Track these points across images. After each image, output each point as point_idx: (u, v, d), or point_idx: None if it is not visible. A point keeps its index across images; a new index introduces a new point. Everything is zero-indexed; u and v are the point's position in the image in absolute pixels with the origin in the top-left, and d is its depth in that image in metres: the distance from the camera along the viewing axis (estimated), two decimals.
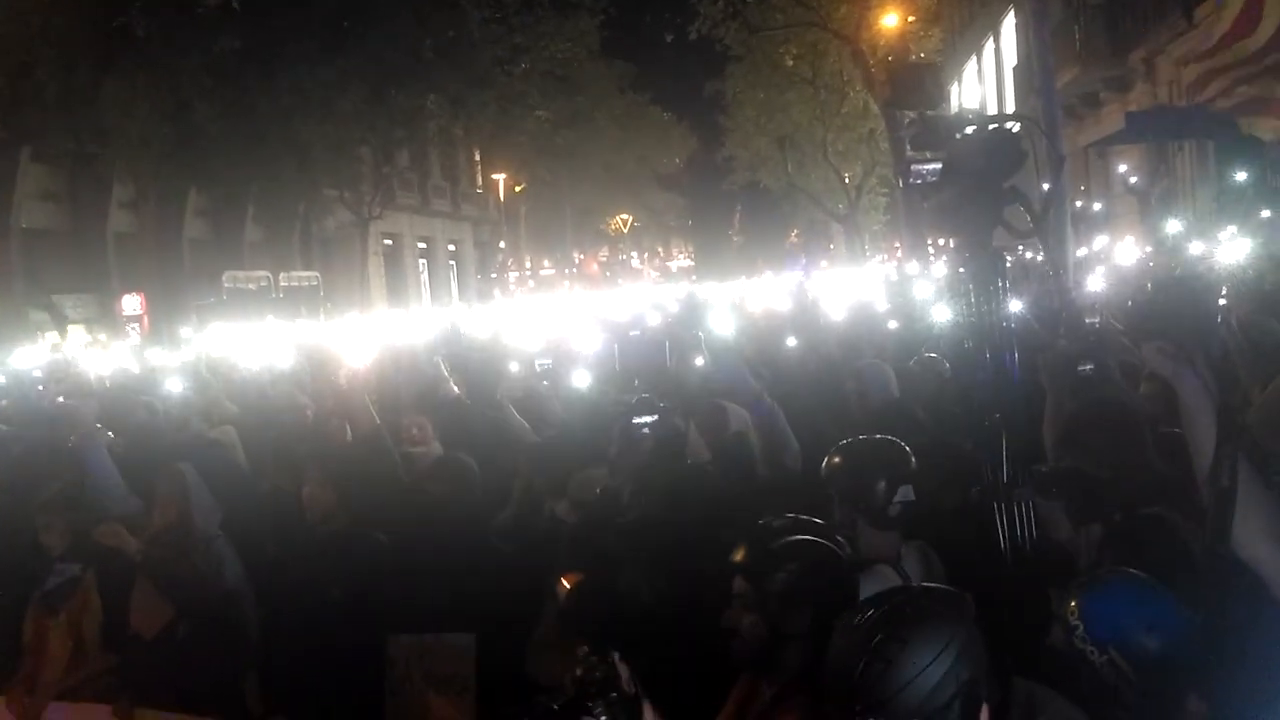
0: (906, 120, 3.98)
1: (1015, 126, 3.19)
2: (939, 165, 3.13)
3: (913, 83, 3.23)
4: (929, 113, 3.22)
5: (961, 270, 3.15)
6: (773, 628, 2.84)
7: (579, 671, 2.56)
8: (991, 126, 3.17)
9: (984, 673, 2.29)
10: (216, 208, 32.32)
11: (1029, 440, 3.26)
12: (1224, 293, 5.53)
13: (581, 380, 6.31)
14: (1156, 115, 21.39)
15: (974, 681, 2.26)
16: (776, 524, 2.98)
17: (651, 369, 4.99)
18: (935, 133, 3.17)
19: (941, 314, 8.03)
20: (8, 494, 5.36)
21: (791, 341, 7.94)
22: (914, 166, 3.17)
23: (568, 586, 3.71)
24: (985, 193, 3.09)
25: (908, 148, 3.43)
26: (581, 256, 71.55)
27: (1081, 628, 2.57)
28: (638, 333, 9.06)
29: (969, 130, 3.14)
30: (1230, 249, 8.17)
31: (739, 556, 2.93)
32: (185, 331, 15.89)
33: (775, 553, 2.88)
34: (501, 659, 4.25)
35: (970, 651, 2.27)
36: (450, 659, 4.42)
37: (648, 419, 4.49)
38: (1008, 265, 3.20)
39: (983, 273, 3.10)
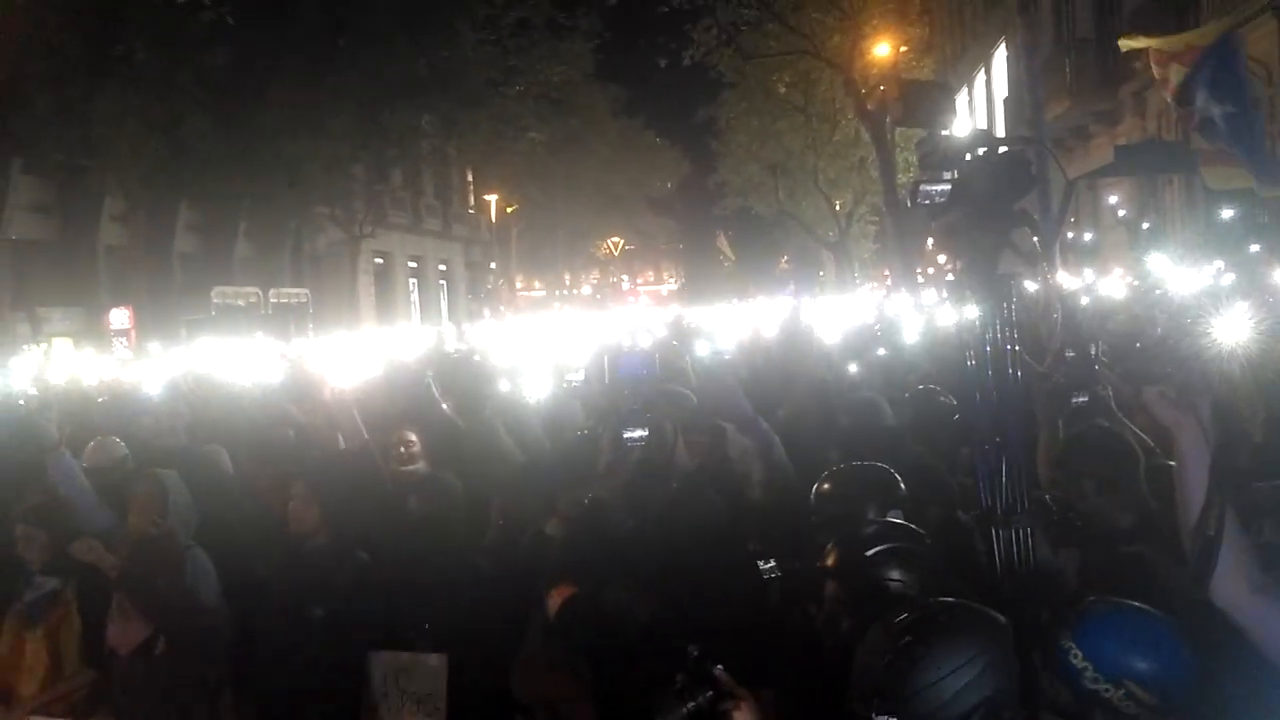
0: (915, 140, 3.98)
1: (1024, 149, 3.18)
2: (947, 186, 3.11)
3: (923, 101, 3.21)
4: (940, 132, 3.20)
5: (967, 293, 3.12)
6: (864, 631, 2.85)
7: (681, 678, 2.51)
8: (1002, 149, 3.15)
9: (1011, 698, 2.32)
10: (208, 223, 32.27)
11: (1029, 465, 3.23)
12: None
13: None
14: (1146, 149, 21.57)
15: (997, 701, 2.28)
16: (869, 529, 2.99)
17: (642, 383, 4.98)
18: (945, 153, 3.16)
19: (933, 342, 8.03)
20: None
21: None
22: (922, 187, 3.12)
23: (557, 601, 3.69)
24: (994, 215, 3.07)
25: (913, 166, 3.43)
26: (570, 278, 71.68)
27: (1090, 668, 2.49)
28: (629, 347, 9.06)
29: (980, 151, 3.12)
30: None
31: (832, 561, 2.95)
32: (154, 346, 15.79)
33: (871, 558, 2.90)
34: (479, 678, 4.23)
35: (998, 671, 2.31)
36: (424, 678, 4.40)
37: (637, 432, 4.48)
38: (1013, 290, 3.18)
39: (989, 295, 3.08)
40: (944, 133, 3.18)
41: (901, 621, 2.40)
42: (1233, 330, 2.78)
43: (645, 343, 10.80)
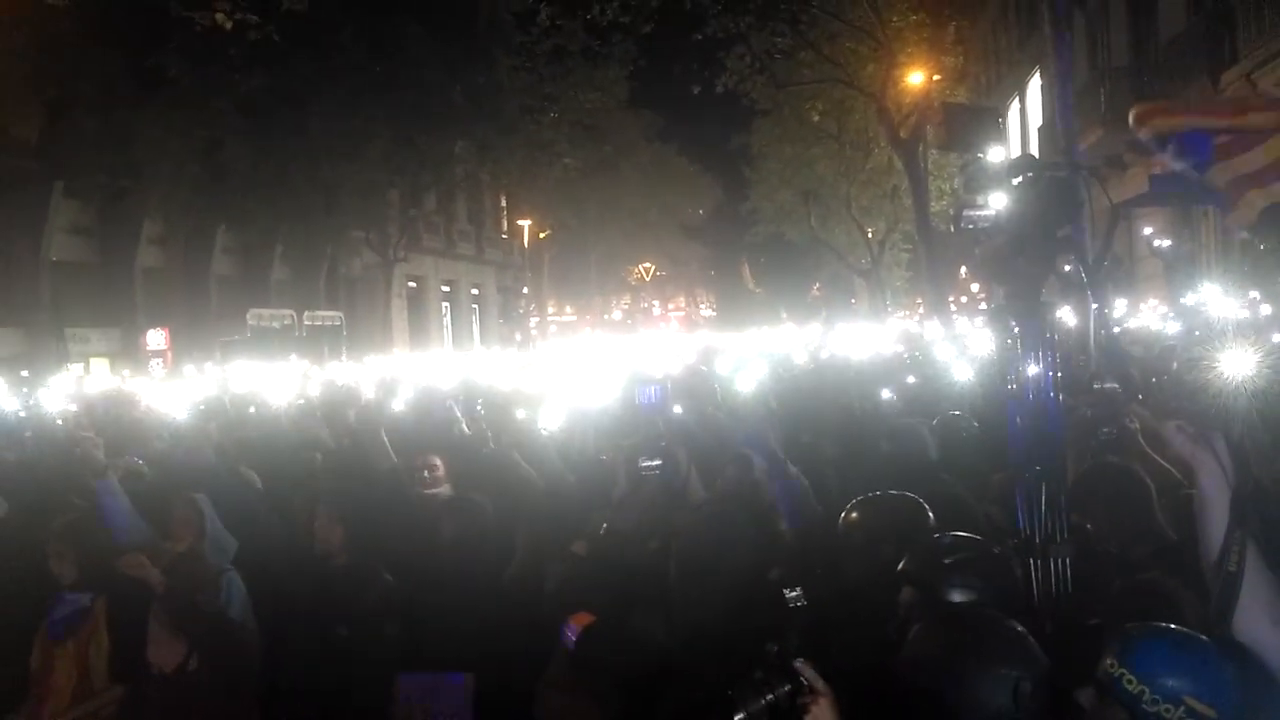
0: (961, 164, 3.97)
1: (1068, 173, 3.14)
2: (992, 212, 3.10)
3: (967, 125, 3.20)
4: (983, 156, 3.19)
5: (1011, 321, 3.10)
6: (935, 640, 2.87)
7: (760, 671, 2.54)
8: (1048, 174, 3.11)
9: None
10: (244, 246, 32.66)
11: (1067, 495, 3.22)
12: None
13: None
14: (1181, 178, 21.33)
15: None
16: (947, 540, 3.02)
17: (658, 412, 4.99)
18: (990, 177, 3.14)
19: (963, 371, 7.99)
20: (20, 522, 5.37)
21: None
22: (965, 212, 3.12)
23: (578, 628, 3.68)
24: (1038, 241, 3.04)
25: (953, 190, 3.42)
26: (601, 303, 71.84)
27: (1147, 691, 2.49)
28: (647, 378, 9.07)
29: (1025, 176, 3.09)
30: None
31: (910, 567, 2.97)
32: (189, 369, 15.98)
33: (949, 566, 2.93)
34: (504, 701, 4.23)
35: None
36: (451, 698, 4.40)
37: (652, 461, 4.49)
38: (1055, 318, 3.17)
39: (1032, 322, 3.06)
40: (983, 157, 3.17)
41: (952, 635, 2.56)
42: (1239, 364, 2.75)
43: (670, 370, 10.80)
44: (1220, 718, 2.48)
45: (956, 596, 2.87)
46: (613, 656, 3.50)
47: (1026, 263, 3.06)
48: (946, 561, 2.93)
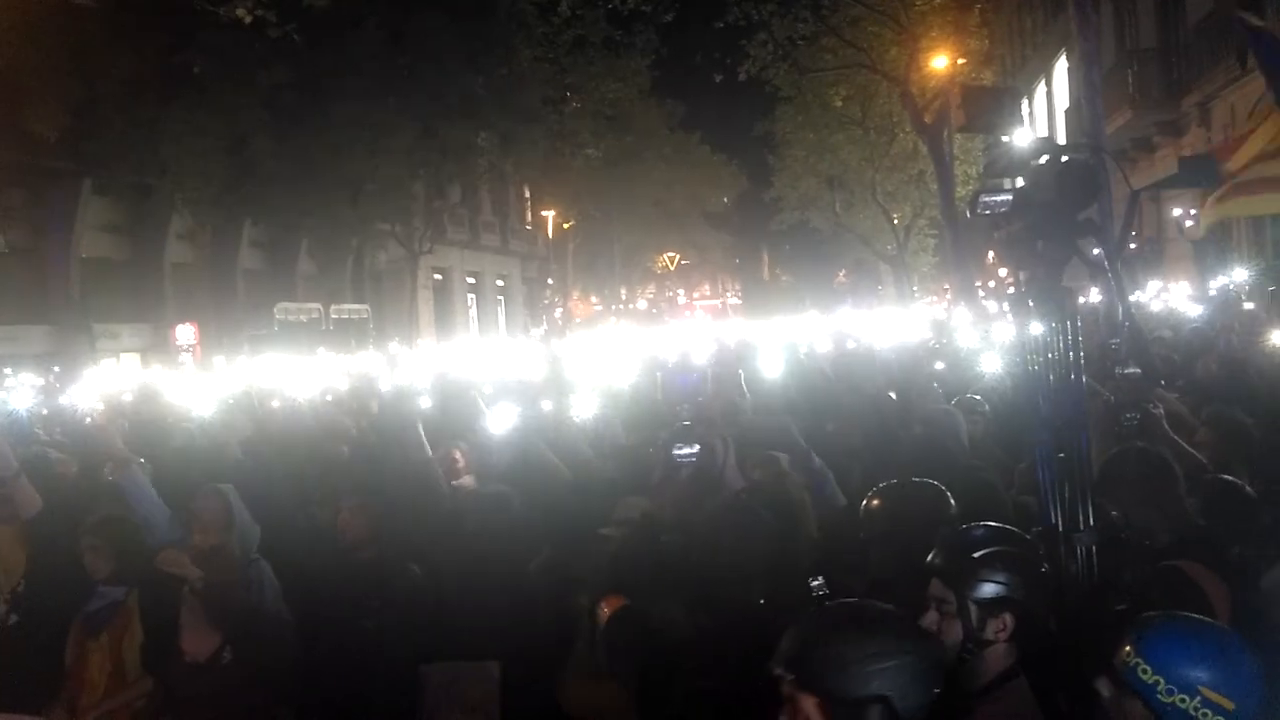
0: (983, 147, 3.93)
1: (1089, 157, 3.12)
2: (1009, 196, 3.06)
3: (987, 106, 3.16)
4: (1004, 139, 3.15)
5: (1031, 304, 3.08)
6: (968, 634, 2.85)
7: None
8: (1065, 157, 3.08)
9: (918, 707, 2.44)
10: (271, 240, 32.90)
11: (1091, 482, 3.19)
12: None
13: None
14: (1211, 160, 21.11)
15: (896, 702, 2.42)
16: (977, 532, 2.98)
17: (693, 399, 4.98)
18: (1010, 160, 3.10)
19: (991, 359, 7.94)
20: (54, 517, 5.44)
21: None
22: (982, 198, 3.08)
23: (607, 612, 3.70)
24: (1058, 225, 3.02)
25: (976, 174, 3.37)
26: (626, 293, 71.83)
27: (1162, 681, 2.46)
28: (681, 365, 9.09)
29: (1044, 160, 3.06)
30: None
31: (938, 560, 2.95)
32: (219, 360, 16.11)
33: (978, 560, 2.90)
34: (530, 689, 4.25)
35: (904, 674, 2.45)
36: (477, 686, 4.43)
37: (687, 449, 4.49)
38: (1079, 303, 3.13)
39: (1053, 307, 3.04)
40: (1006, 140, 3.14)
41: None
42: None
43: (699, 359, 10.81)
44: (1239, 709, 2.44)
45: (986, 590, 2.84)
46: (639, 640, 3.51)
47: (1046, 246, 3.03)
48: (975, 555, 2.90)
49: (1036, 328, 3.05)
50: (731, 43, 28.22)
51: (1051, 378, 3.06)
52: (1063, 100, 31.74)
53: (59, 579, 5.20)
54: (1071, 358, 3.04)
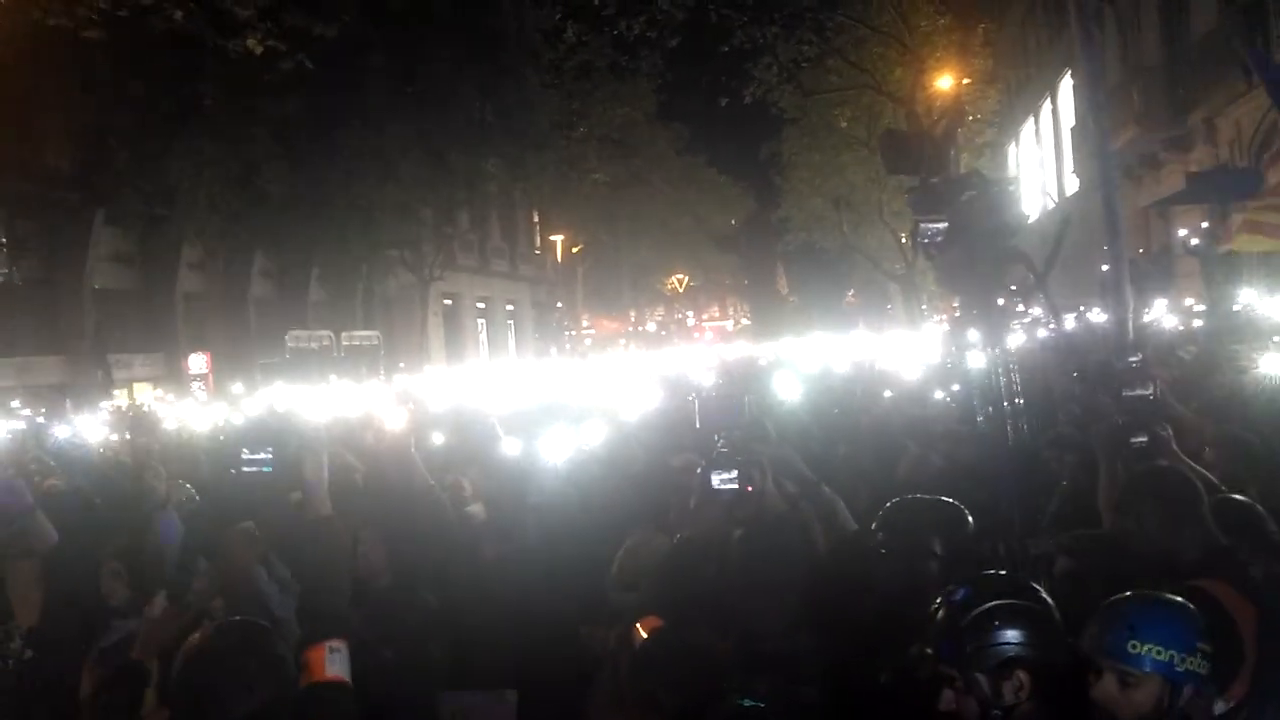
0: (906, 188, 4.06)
1: (1013, 187, 3.25)
2: (944, 225, 3.15)
3: (904, 151, 3.30)
4: (931, 179, 3.25)
5: (969, 329, 3.21)
6: (986, 706, 2.73)
7: None
8: (991, 189, 3.23)
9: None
10: (281, 269, 33.04)
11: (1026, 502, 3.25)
12: None
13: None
14: (1218, 176, 21.15)
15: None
16: (958, 596, 2.84)
17: (732, 425, 4.97)
18: (936, 197, 3.20)
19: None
20: (71, 551, 5.47)
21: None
22: (922, 226, 3.19)
23: (644, 633, 3.71)
24: (987, 252, 3.13)
25: (911, 213, 3.49)
26: (635, 315, 71.94)
27: (1176, 654, 2.65)
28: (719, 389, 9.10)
29: (970, 194, 3.16)
30: None
31: (932, 640, 2.82)
32: (237, 388, 16.18)
33: (967, 628, 2.76)
34: (547, 717, 4.27)
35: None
36: (495, 714, 4.45)
37: (726, 474, 4.49)
38: (1013, 321, 3.24)
39: (987, 328, 3.14)
40: (934, 181, 3.24)
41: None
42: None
43: (709, 381, 10.82)
44: (1211, 650, 2.70)
45: (986, 657, 2.72)
46: (678, 661, 3.53)
47: (978, 273, 3.12)
48: (962, 624, 2.76)
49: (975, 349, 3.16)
50: (736, 66, 28.47)
51: (980, 395, 3.14)
52: (1068, 118, 31.80)
53: (74, 612, 5.22)
54: (1003, 377, 3.15)
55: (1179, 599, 2.77)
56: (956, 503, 3.81)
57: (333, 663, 3.15)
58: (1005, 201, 3.17)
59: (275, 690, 3.01)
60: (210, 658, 3.04)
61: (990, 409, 3.16)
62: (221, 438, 9.12)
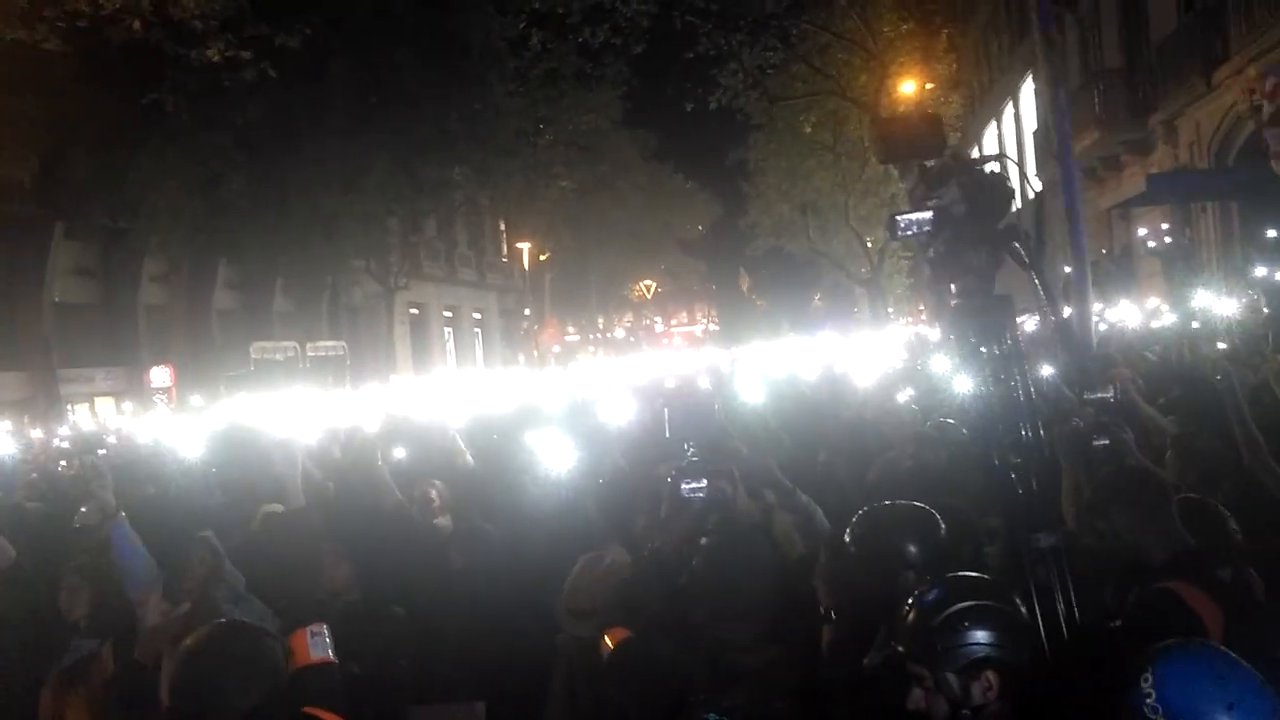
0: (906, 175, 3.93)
1: (995, 166, 3.10)
2: (928, 215, 2.99)
3: (902, 135, 3.14)
4: (927, 164, 3.11)
5: (967, 317, 3.03)
6: (955, 705, 2.72)
7: None
8: (979, 171, 3.05)
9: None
10: (246, 279, 32.77)
11: (1045, 498, 3.10)
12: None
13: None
14: (1178, 177, 21.44)
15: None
16: (929, 595, 2.82)
17: (703, 433, 4.91)
18: (930, 184, 3.04)
19: (963, 381, 7.93)
20: (29, 569, 5.38)
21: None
22: (899, 218, 3.01)
23: (611, 644, 3.67)
24: (981, 234, 2.98)
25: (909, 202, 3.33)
26: (603, 322, 71.91)
27: (1154, 695, 2.35)
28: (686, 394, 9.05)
29: (956, 179, 3.01)
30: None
31: (901, 639, 2.80)
32: (196, 399, 16.00)
33: (938, 627, 2.75)
34: None
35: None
36: None
37: (696, 484, 4.46)
38: (1018, 316, 3.11)
39: (989, 316, 3.00)
40: (928, 164, 3.12)
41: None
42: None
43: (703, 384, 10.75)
44: None
45: (956, 657, 2.70)
46: (646, 672, 3.49)
47: (973, 257, 3.01)
48: (934, 623, 2.75)
49: (975, 339, 3.01)
50: (702, 72, 28.49)
51: (992, 386, 2.99)
52: (1030, 122, 32.09)
53: (33, 632, 5.13)
54: (1014, 362, 2.98)
55: (1238, 667, 2.42)
56: (926, 507, 3.79)
57: (316, 645, 3.32)
58: (991, 180, 3.05)
59: (271, 684, 3.14)
60: (209, 658, 3.16)
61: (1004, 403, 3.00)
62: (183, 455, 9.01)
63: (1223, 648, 2.51)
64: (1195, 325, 10.83)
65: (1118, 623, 3.15)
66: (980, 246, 3.00)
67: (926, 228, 3.01)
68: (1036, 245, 3.15)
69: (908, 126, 3.19)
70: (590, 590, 4.51)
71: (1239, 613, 3.20)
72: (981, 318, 2.99)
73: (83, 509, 5.74)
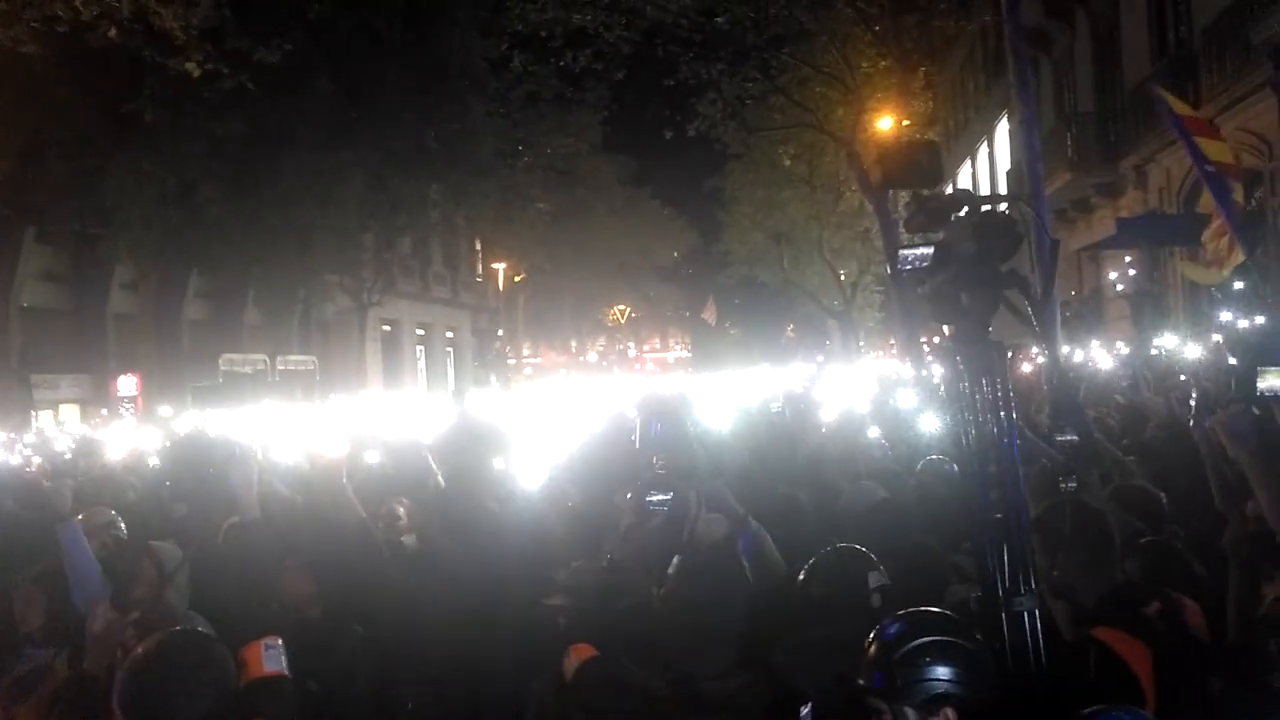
0: (902, 203, 3.93)
1: (1007, 208, 3.05)
2: (930, 250, 2.98)
3: (905, 160, 3.11)
4: (924, 193, 3.09)
5: (958, 360, 3.00)
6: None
7: None
8: (985, 208, 3.02)
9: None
10: (217, 290, 32.52)
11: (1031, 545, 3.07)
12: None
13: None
14: (1148, 221, 21.74)
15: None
16: (891, 630, 2.83)
17: (673, 448, 4.94)
18: (930, 214, 3.03)
19: (930, 421, 7.96)
20: None
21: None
22: (902, 252, 3.00)
23: (575, 661, 3.66)
24: (982, 277, 2.95)
25: (902, 231, 3.33)
26: (577, 345, 71.83)
27: None
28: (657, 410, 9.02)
29: (963, 212, 3.00)
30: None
31: (862, 674, 2.80)
32: (164, 410, 15.84)
33: (898, 662, 2.74)
34: None
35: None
36: None
37: (661, 497, 4.47)
38: (1008, 359, 3.06)
39: (981, 361, 2.97)
40: (926, 194, 3.11)
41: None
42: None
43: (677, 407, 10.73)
44: None
45: (915, 693, 2.69)
46: (612, 692, 3.48)
47: (971, 299, 2.98)
48: (894, 657, 2.76)
49: (964, 381, 2.98)
50: (682, 100, 28.62)
51: (976, 433, 2.96)
52: (1004, 161, 32.48)
53: None
54: (1002, 413, 2.94)
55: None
56: (866, 551, 3.81)
57: (270, 658, 3.28)
58: (1000, 221, 3.02)
59: (221, 694, 3.12)
60: (158, 667, 3.13)
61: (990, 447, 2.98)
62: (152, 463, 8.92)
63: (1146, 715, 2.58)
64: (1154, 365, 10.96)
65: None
66: (981, 289, 2.98)
67: (925, 263, 2.98)
68: (1043, 296, 3.13)
69: (908, 153, 3.18)
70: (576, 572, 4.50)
71: (1169, 649, 3.20)
72: (975, 363, 2.98)
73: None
